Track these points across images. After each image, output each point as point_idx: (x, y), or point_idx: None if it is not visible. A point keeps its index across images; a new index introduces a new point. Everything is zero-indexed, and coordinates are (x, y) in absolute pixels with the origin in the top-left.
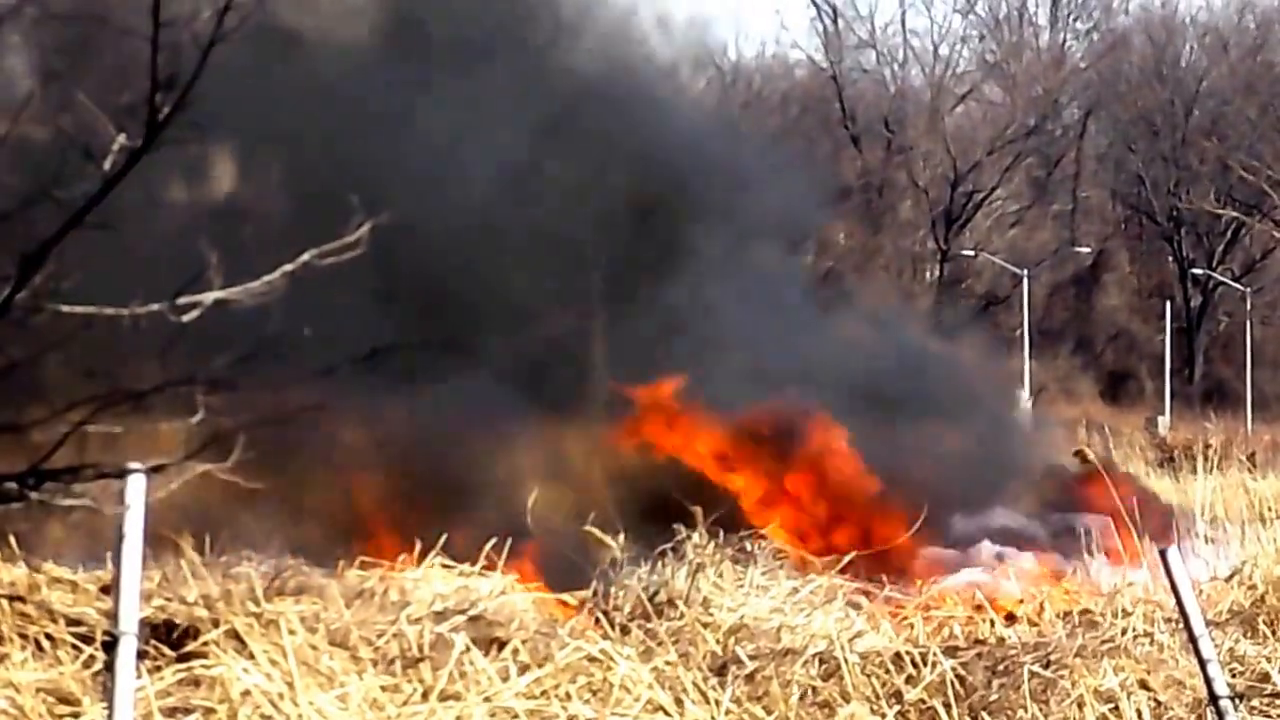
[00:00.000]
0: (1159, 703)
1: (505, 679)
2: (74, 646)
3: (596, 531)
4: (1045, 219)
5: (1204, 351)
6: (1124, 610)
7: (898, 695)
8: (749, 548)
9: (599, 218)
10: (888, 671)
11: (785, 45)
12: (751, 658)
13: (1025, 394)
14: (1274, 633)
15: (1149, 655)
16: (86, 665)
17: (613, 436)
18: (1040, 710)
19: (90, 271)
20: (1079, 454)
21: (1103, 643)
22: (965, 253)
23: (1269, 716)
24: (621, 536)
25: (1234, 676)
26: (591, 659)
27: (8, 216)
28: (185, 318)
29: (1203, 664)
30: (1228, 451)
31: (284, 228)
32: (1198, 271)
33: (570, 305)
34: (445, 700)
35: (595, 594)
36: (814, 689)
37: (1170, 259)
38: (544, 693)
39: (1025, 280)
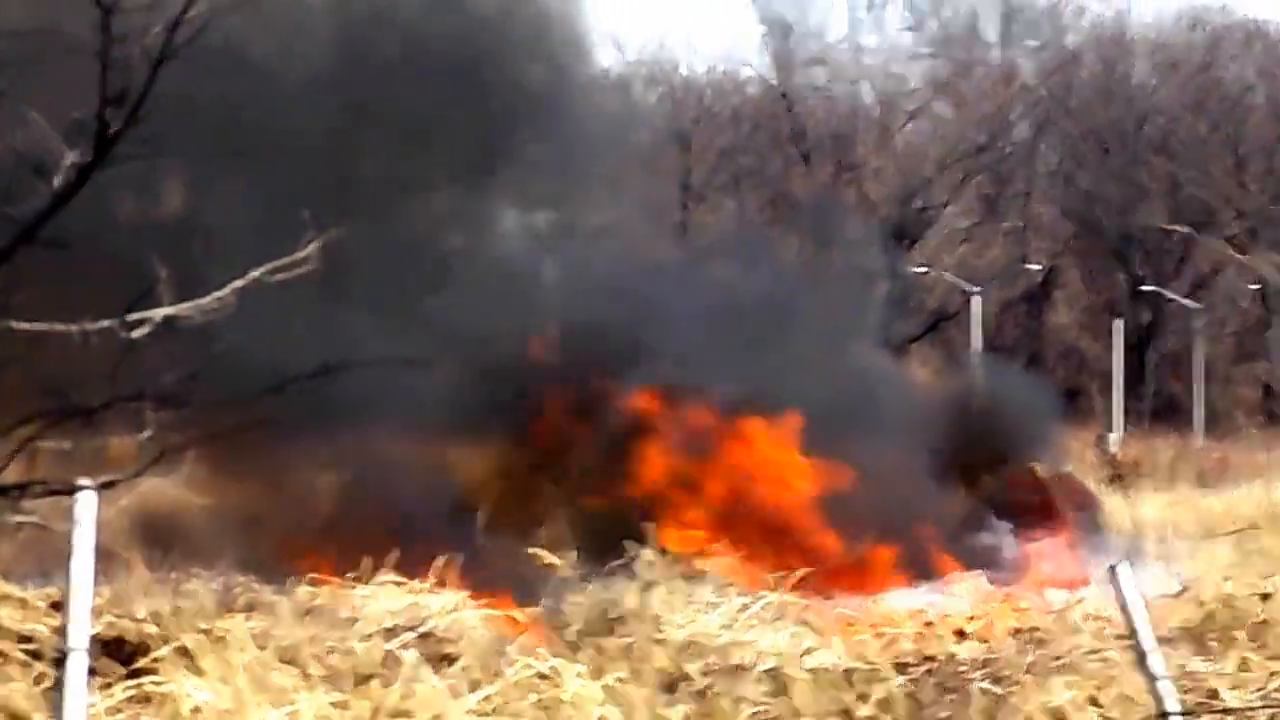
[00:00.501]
0: (1108, 719)
1: (456, 696)
2: (24, 663)
3: (545, 554)
4: (995, 236)
5: (1154, 369)
6: (1074, 627)
7: (848, 712)
8: (699, 565)
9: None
10: (838, 688)
11: (736, 62)
12: (702, 674)
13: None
14: (1224, 649)
15: (1099, 672)
16: (37, 682)
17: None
18: None
19: (41, 287)
20: (1029, 470)
21: (1053, 659)
22: (916, 269)
23: None
24: (574, 554)
25: (1184, 693)
26: (542, 676)
27: None
28: (135, 334)
29: (1152, 681)
30: (1178, 468)
31: (234, 243)
32: (1148, 289)
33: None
34: (396, 717)
35: (546, 611)
36: (764, 705)
37: (1121, 276)
38: (495, 709)
39: (976, 297)
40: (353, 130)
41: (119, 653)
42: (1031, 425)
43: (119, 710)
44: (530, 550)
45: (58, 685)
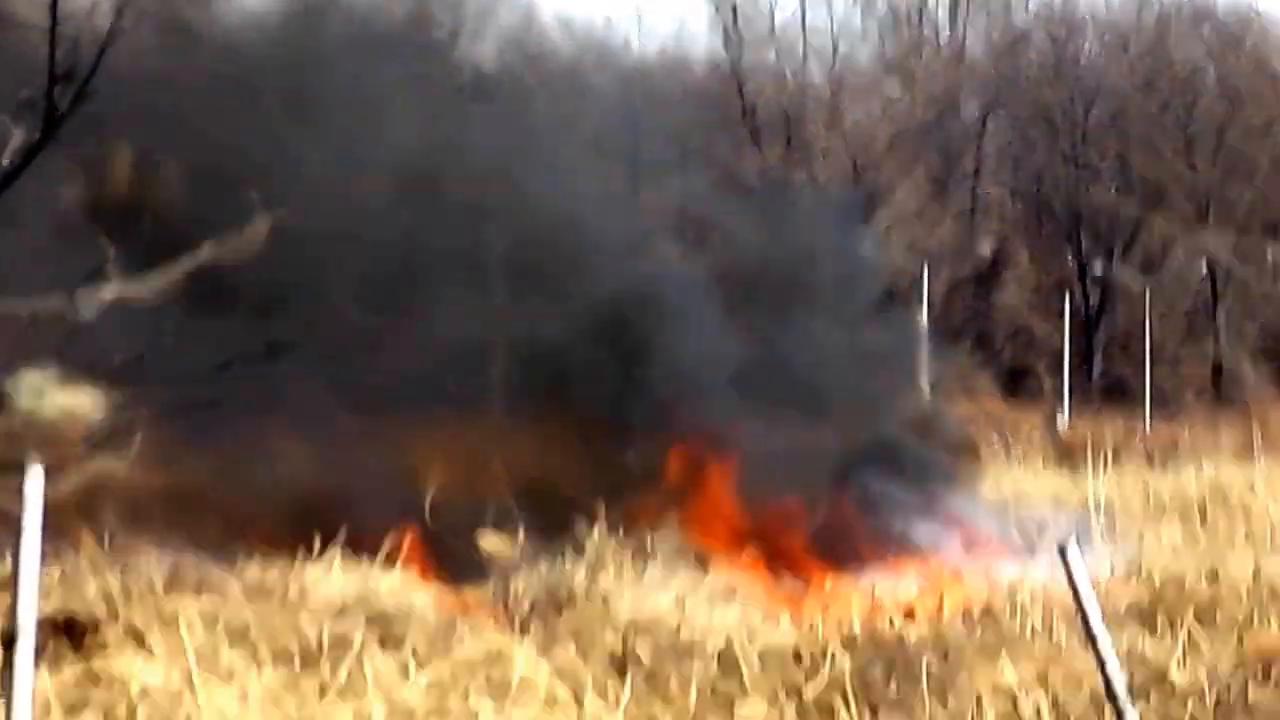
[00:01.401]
0: (1057, 699)
1: (404, 675)
2: None
3: (494, 537)
4: (944, 216)
5: (1103, 348)
6: (1023, 607)
7: (797, 691)
8: (649, 543)
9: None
10: (787, 667)
11: (686, 41)
12: (651, 654)
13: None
14: (1172, 629)
15: (1047, 652)
16: None
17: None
18: (939, 706)
19: None
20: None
21: (1001, 639)
22: (865, 249)
23: (1167, 712)
24: (521, 533)
25: (1132, 672)
26: (491, 655)
27: None
28: (84, 313)
29: (1101, 661)
30: (1126, 447)
31: (184, 224)
32: (1097, 268)
33: (473, 304)
34: (345, 697)
35: (495, 590)
36: (713, 685)
37: (1069, 255)
38: (444, 689)
39: (924, 277)
40: (301, 109)
41: (68, 633)
42: None
43: (68, 690)
44: (479, 533)
45: (6, 665)
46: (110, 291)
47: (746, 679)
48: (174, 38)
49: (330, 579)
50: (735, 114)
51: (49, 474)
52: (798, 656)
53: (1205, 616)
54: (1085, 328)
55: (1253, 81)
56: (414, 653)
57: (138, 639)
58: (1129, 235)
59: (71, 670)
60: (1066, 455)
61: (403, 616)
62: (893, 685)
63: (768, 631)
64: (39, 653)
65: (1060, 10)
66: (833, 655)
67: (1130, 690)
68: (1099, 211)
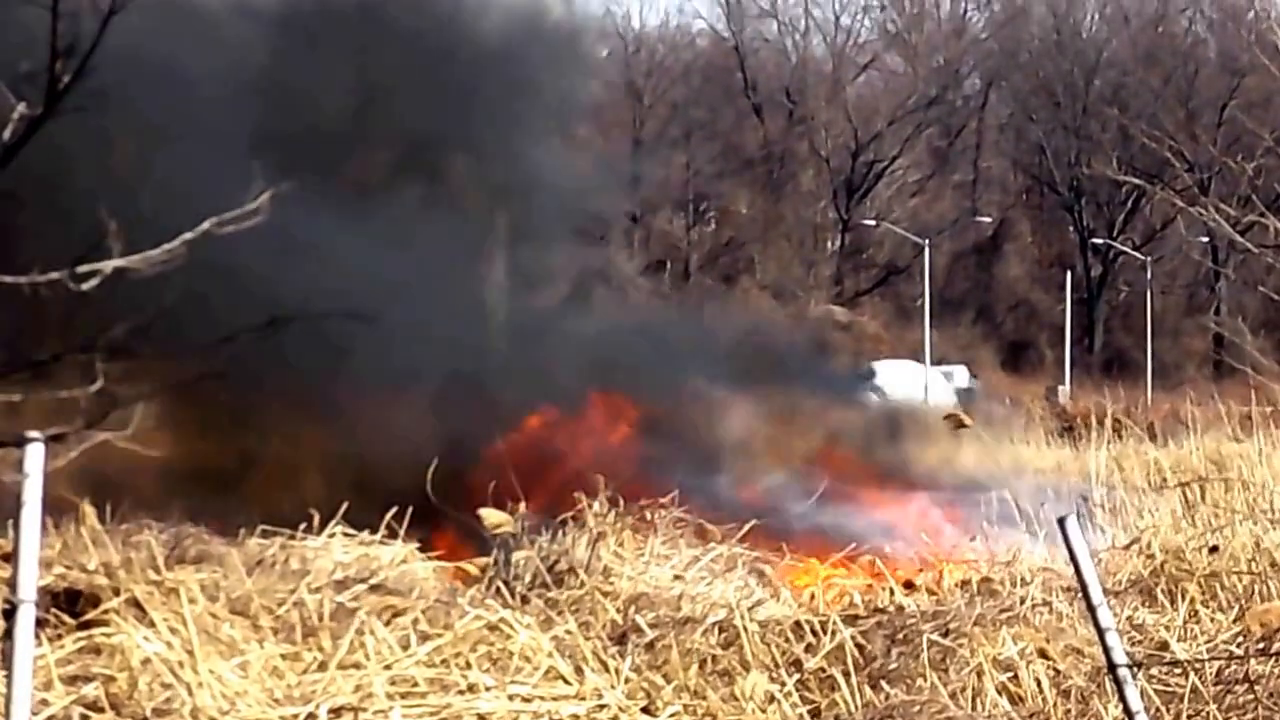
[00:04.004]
0: (1058, 671)
1: (405, 647)
2: None
3: (494, 513)
4: (946, 189)
5: (1104, 321)
6: (1023, 579)
7: (797, 664)
8: (649, 516)
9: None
10: (787, 640)
11: (688, 15)
12: (651, 626)
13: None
14: (1172, 601)
15: (1048, 624)
16: None
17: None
18: (940, 679)
19: None
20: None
21: (1002, 611)
22: (866, 222)
23: (1168, 685)
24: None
25: (1133, 645)
26: (492, 628)
27: None
28: (85, 286)
29: (1101, 633)
30: (1127, 420)
31: (184, 195)
32: (1098, 241)
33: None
34: (345, 669)
35: (496, 563)
36: (714, 657)
37: (1071, 229)
38: (444, 661)
39: (926, 250)
40: (304, 81)
41: (69, 604)
42: None
43: (69, 662)
44: (479, 510)
45: (7, 636)
46: (111, 264)
47: (747, 651)
48: (178, 9)
49: (331, 551)
50: (737, 87)
51: (49, 447)
52: (798, 629)
53: (1206, 589)
54: (1086, 301)
55: (1254, 54)
56: (415, 625)
57: (139, 611)
58: (1130, 208)
59: (73, 641)
60: (1068, 427)
61: (404, 589)
62: (893, 658)
63: (769, 603)
64: (40, 624)
65: None
66: (833, 628)
67: (1131, 662)
68: (1100, 184)
